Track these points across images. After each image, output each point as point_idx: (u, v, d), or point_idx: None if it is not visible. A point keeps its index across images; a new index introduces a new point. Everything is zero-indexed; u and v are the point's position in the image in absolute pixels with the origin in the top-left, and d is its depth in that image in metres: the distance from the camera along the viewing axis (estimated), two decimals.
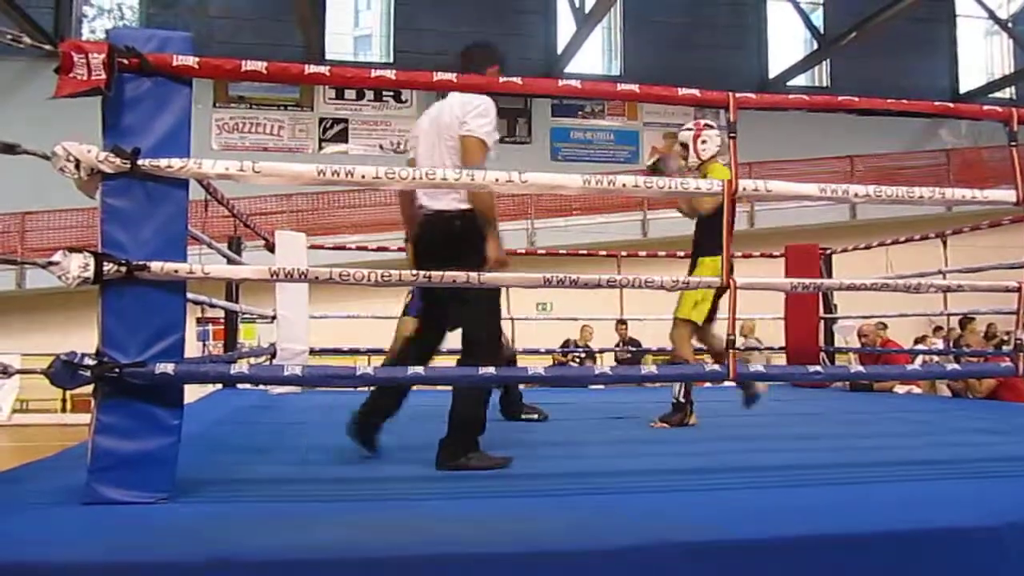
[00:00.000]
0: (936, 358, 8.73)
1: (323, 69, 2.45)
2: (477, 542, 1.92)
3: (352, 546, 1.86)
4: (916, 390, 7.49)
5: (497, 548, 1.88)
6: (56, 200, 12.93)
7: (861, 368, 2.69)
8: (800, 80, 19.11)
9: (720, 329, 4.61)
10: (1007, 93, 19.87)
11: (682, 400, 4.34)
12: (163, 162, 2.24)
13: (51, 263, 2.19)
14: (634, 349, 10.07)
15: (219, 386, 6.21)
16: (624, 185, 2.60)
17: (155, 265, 2.23)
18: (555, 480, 2.80)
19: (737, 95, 2.60)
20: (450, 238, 2.97)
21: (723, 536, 1.98)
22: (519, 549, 1.88)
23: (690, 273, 4.22)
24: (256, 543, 1.85)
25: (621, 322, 9.56)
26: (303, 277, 2.51)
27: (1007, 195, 2.84)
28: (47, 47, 2.33)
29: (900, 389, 7.27)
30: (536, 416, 4.56)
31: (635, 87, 2.65)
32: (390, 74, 2.44)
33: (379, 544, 1.88)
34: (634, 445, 3.72)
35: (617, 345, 10.37)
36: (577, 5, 16.36)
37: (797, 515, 2.19)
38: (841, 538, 1.99)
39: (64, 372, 2.18)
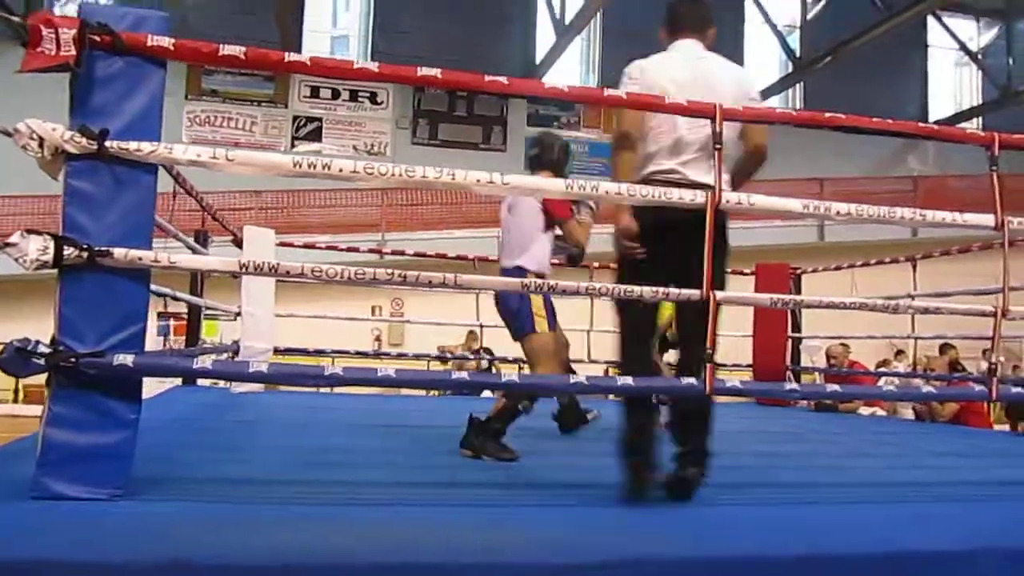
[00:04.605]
0: (897, 381, 8.79)
1: (303, 58, 2.39)
2: (439, 550, 1.86)
3: (314, 551, 1.79)
4: (880, 412, 7.54)
5: (462, 558, 1.82)
6: (13, 186, 12.65)
7: (836, 387, 2.66)
8: (773, 101, 19.29)
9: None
10: (974, 124, 20.24)
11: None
12: (132, 145, 2.16)
13: (8, 244, 2.09)
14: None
15: (178, 382, 6.07)
16: (607, 192, 2.55)
17: (118, 252, 2.14)
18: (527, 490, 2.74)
19: (724, 107, 2.58)
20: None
21: (698, 552, 1.94)
22: (486, 559, 1.82)
23: None
24: (215, 545, 1.78)
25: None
26: (273, 271, 2.42)
27: (986, 219, 2.84)
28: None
29: (864, 411, 7.31)
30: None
31: (622, 94, 2.61)
32: (373, 66, 2.37)
33: (341, 550, 1.81)
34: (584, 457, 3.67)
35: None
36: (558, 16, 16.37)
37: (769, 534, 2.15)
38: (815, 558, 1.96)
39: (16, 359, 2.08)
